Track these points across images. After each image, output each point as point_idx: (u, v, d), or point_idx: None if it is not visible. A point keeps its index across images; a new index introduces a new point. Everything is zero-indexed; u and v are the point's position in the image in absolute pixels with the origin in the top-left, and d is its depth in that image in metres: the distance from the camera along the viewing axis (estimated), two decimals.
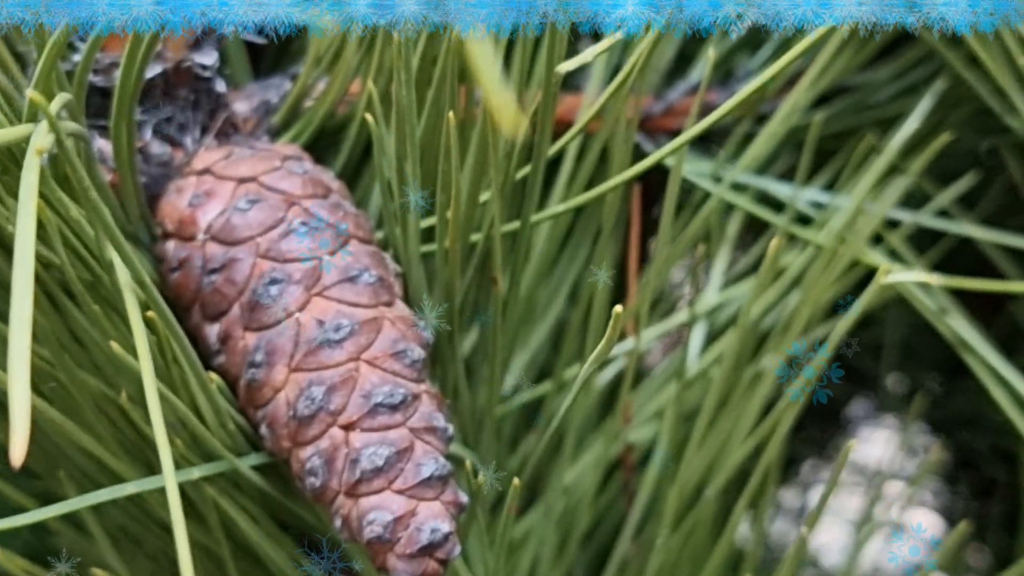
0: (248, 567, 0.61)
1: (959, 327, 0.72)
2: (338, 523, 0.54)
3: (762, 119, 0.79)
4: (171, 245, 0.57)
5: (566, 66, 0.52)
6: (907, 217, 0.78)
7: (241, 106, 0.62)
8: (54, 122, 0.42)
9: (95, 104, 0.57)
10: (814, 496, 1.29)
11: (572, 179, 0.70)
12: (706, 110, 0.57)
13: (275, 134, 0.63)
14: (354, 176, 0.64)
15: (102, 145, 0.57)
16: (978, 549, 1.14)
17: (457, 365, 0.61)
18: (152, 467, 0.58)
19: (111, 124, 0.54)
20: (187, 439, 0.55)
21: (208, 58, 0.59)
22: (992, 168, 0.84)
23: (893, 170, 0.75)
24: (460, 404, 0.62)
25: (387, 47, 0.59)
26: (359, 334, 0.54)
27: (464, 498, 0.55)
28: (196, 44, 0.59)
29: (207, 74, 0.59)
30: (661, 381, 0.77)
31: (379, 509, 0.52)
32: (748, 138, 0.78)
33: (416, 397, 0.54)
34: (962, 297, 0.74)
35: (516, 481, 0.55)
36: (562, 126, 0.69)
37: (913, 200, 0.79)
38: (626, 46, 0.76)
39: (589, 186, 0.66)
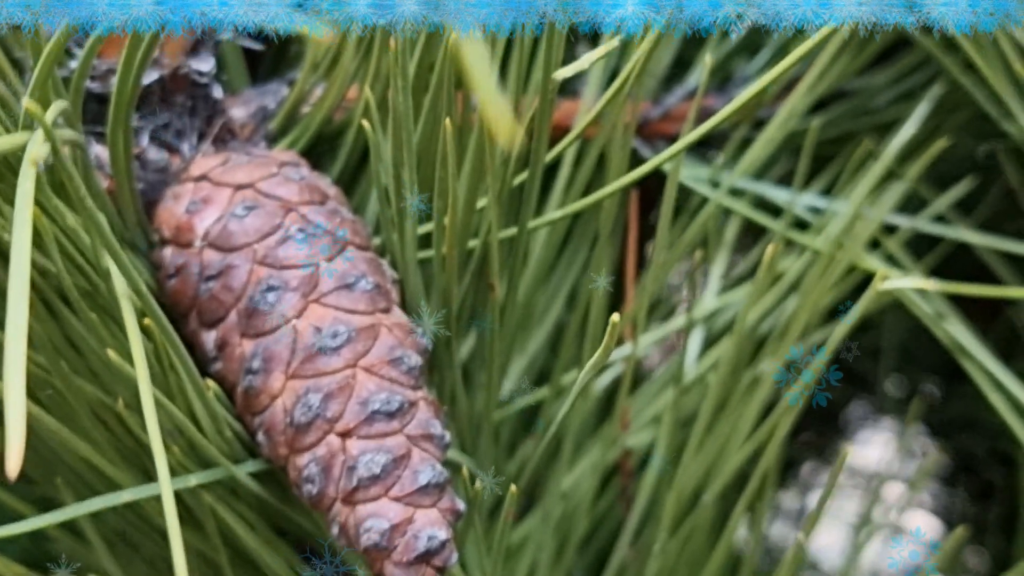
0: (245, 573, 0.61)
1: (957, 332, 0.72)
2: (335, 530, 0.54)
3: (759, 124, 0.79)
4: (168, 252, 0.57)
5: (563, 72, 0.52)
6: (904, 222, 0.78)
7: (238, 112, 0.62)
8: (50, 132, 0.42)
9: (92, 110, 0.57)
10: (813, 499, 1.29)
11: (569, 185, 0.70)
12: (704, 115, 0.57)
13: (272, 140, 0.63)
14: (351, 182, 0.64)
15: (99, 151, 0.57)
16: (976, 552, 1.14)
17: (455, 371, 0.61)
18: (149, 473, 0.58)
19: (108, 130, 0.54)
20: (184, 446, 0.55)
21: (205, 64, 0.59)
22: (989, 173, 0.84)
23: (890, 175, 0.75)
24: (458, 410, 0.62)
25: (384, 53, 0.59)
26: (356, 341, 0.54)
27: (461, 505, 0.55)
28: (193, 50, 0.59)
29: (204, 80, 0.59)
30: (659, 386, 0.77)
31: (376, 516, 0.52)
32: (746, 143, 0.78)
33: (413, 404, 0.54)
34: (959, 302, 0.74)
35: (514, 487, 0.55)
36: (559, 131, 0.68)
37: (910, 205, 0.79)
38: (624, 50, 0.76)
39: (586, 192, 0.66)
